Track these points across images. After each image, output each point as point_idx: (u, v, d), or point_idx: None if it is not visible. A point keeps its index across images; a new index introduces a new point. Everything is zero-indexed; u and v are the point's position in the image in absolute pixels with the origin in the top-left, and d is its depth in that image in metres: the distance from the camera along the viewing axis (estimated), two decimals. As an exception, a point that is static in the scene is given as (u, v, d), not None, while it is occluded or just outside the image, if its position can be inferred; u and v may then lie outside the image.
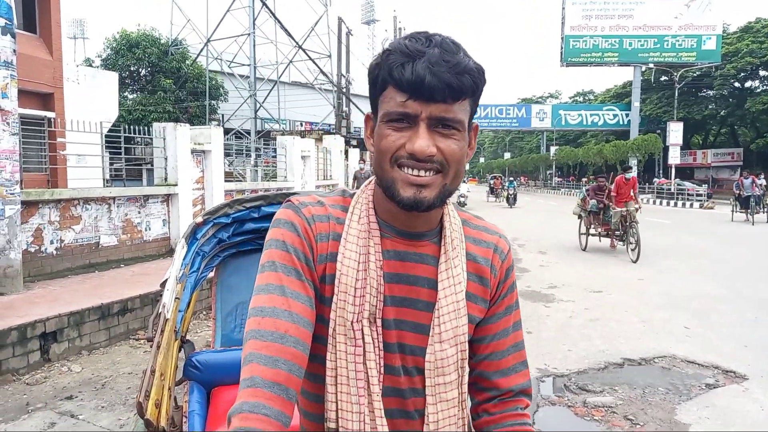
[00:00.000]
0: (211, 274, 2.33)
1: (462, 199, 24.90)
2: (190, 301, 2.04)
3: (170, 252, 8.92)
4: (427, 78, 0.78)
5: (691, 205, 29.13)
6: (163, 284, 1.90)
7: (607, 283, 8.46)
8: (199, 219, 2.10)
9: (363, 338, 0.87)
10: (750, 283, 8.33)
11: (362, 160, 13.34)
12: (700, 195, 32.41)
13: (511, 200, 27.72)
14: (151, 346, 1.67)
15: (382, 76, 0.84)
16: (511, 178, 28.81)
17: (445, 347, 0.90)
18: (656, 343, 5.42)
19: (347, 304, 0.87)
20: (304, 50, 29.87)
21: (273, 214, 2.30)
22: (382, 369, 0.89)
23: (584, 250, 12.04)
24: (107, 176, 9.36)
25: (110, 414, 3.92)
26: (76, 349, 5.13)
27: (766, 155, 43.85)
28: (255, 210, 2.19)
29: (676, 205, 30.54)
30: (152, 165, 9.29)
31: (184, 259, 1.99)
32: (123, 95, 24.82)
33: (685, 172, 44.14)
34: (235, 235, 2.22)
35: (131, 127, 9.19)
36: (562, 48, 44.12)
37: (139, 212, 8.40)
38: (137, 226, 8.37)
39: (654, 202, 32.95)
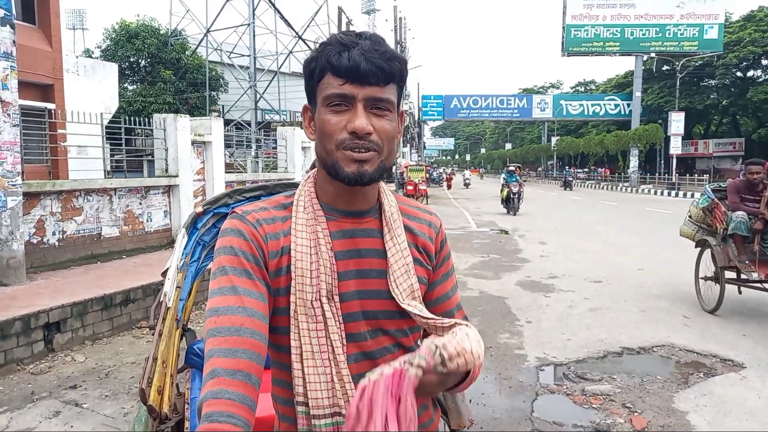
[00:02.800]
0: (211, 264, 2.35)
1: (467, 181, 38.94)
2: (191, 291, 2.05)
3: (172, 243, 8.95)
4: (362, 64, 0.90)
5: (692, 195, 29.07)
6: (164, 273, 1.92)
7: (607, 273, 8.49)
8: (199, 209, 2.11)
9: (324, 314, 0.95)
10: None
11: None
12: (703, 185, 32.41)
13: (514, 203, 18.68)
14: (153, 334, 1.70)
15: (320, 65, 0.93)
16: (511, 168, 19.77)
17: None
18: (655, 333, 5.45)
19: (305, 286, 0.94)
20: (304, 40, 29.77)
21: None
22: (344, 339, 0.96)
23: (715, 311, 6.03)
24: (108, 168, 9.36)
25: (114, 403, 3.96)
26: (80, 339, 5.17)
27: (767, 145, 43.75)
28: (255, 199, 2.20)
29: (677, 195, 30.51)
30: (153, 156, 9.30)
31: (184, 248, 2.01)
32: (123, 86, 24.75)
33: (686, 162, 44.07)
34: (235, 224, 2.24)
35: (131, 118, 9.19)
36: (563, 37, 43.88)
37: (141, 203, 8.42)
38: (139, 218, 8.39)
39: (655, 193, 32.94)
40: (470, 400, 3.82)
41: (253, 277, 0.93)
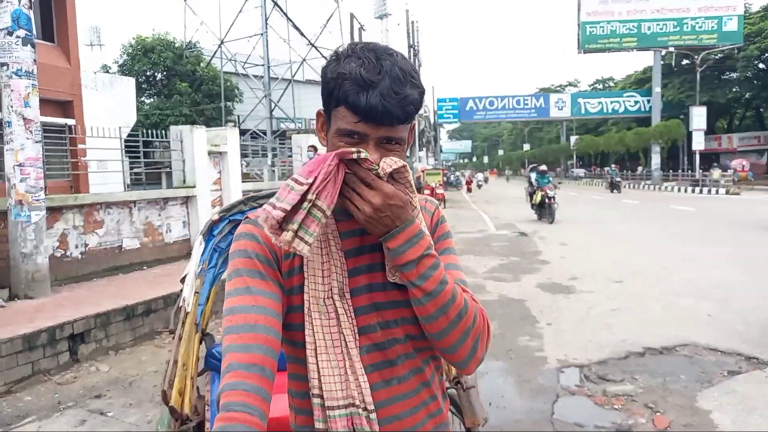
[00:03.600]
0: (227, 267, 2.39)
1: (481, 183, 37.37)
2: (209, 296, 2.10)
3: (191, 253, 9.07)
4: (379, 108, 0.92)
5: (717, 192, 28.57)
6: (182, 280, 1.96)
7: (628, 272, 8.38)
8: (215, 216, 2.16)
9: (336, 311, 1.00)
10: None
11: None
12: (728, 181, 31.82)
13: (550, 208, 15.66)
14: (173, 338, 1.74)
15: (337, 96, 0.96)
16: (543, 167, 17.24)
17: None
18: (678, 331, 5.36)
19: (317, 285, 1.00)
20: (317, 48, 29.99)
21: None
22: (356, 333, 1.01)
23: None
24: (128, 181, 9.55)
25: (138, 411, 4.03)
26: (103, 349, 5.27)
27: (793, 137, 42.80)
28: (269, 206, 2.24)
29: (701, 192, 29.99)
30: (171, 168, 9.46)
31: (202, 255, 2.05)
32: (140, 100, 25.20)
33: (710, 158, 43.30)
34: (249, 232, 2.27)
35: (149, 131, 9.35)
36: (578, 35, 43.45)
37: (160, 215, 8.57)
38: (158, 229, 8.53)
39: (679, 190, 32.43)
40: (489, 403, 3.80)
41: (266, 278, 0.98)
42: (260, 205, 2.29)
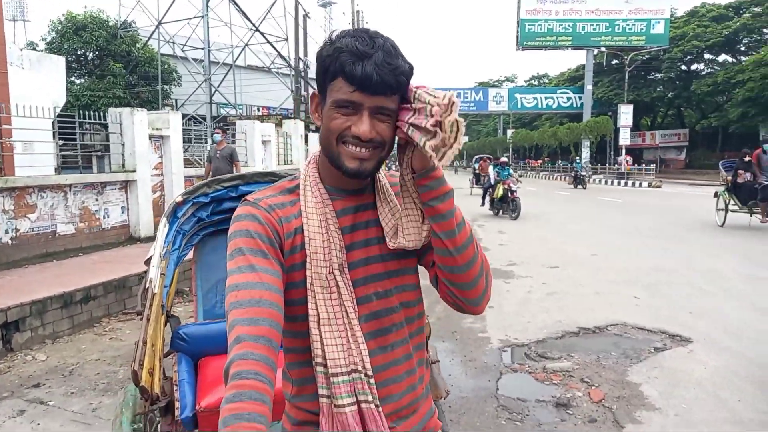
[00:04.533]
0: (191, 254, 2.39)
1: None
2: (173, 278, 2.10)
3: (130, 240, 8.78)
4: (373, 77, 0.98)
5: (640, 185, 30.27)
6: (147, 261, 1.96)
7: (563, 259, 8.81)
8: (179, 198, 2.16)
9: (337, 284, 1.06)
10: (700, 255, 8.83)
11: (219, 130, 9.27)
12: (650, 174, 34.00)
13: (512, 207, 14.72)
14: (140, 320, 1.74)
15: (333, 68, 1.01)
16: (504, 159, 16.53)
17: None
18: (609, 313, 5.73)
19: (319, 261, 1.06)
20: (261, 33, 29.33)
21: (251, 193, 2.39)
22: (356, 304, 1.08)
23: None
24: (58, 164, 9.05)
25: (81, 399, 3.92)
26: (40, 338, 5.06)
27: (710, 135, 45.83)
28: (233, 189, 2.26)
29: (626, 184, 31.67)
30: (103, 152, 9.07)
31: (166, 236, 2.05)
32: (70, 80, 23.82)
33: (634, 153, 45.70)
34: (213, 214, 2.29)
35: (81, 113, 8.92)
36: (518, 32, 44.67)
37: (97, 200, 8.22)
38: (95, 214, 8.19)
39: (606, 182, 34.09)
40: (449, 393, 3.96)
41: (269, 256, 1.02)
42: (224, 188, 2.32)
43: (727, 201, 11.76)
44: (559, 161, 50.50)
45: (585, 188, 28.14)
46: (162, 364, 1.87)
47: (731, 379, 4.01)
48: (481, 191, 24.36)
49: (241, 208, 1.08)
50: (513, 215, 14.59)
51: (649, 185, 29.20)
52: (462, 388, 4.01)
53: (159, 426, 1.84)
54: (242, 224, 1.04)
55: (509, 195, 14.66)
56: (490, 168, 16.27)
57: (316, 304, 1.05)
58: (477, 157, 30.96)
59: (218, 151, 9.15)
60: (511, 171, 15.60)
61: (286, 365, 1.16)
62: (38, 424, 3.54)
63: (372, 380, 1.06)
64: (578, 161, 32.94)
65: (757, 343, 4.72)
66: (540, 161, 57.40)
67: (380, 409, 1.06)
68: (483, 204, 16.55)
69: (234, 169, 8.97)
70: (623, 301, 6.22)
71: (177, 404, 1.78)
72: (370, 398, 1.05)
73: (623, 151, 37.25)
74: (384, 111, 1.03)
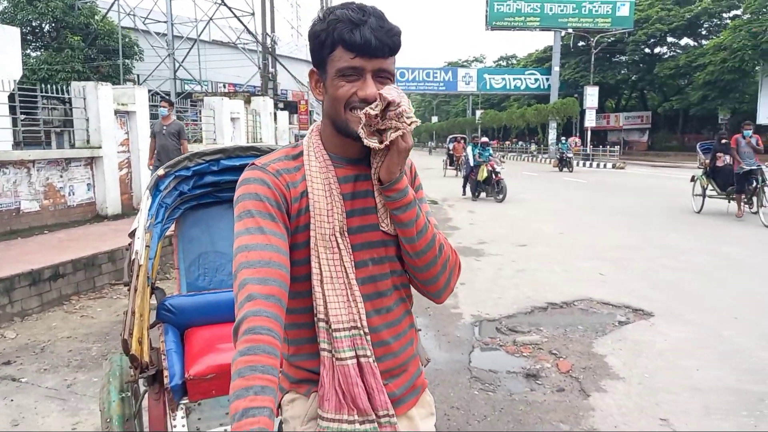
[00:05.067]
0: (172, 228, 2.38)
1: None
2: (157, 251, 2.11)
3: (97, 218, 8.59)
4: (372, 41, 1.04)
5: (605, 166, 30.96)
6: (131, 234, 1.95)
7: (531, 237, 9.02)
8: (161, 171, 2.15)
9: (338, 246, 1.12)
10: (661, 234, 9.16)
11: (165, 103, 8.27)
12: (614, 155, 34.84)
13: (496, 189, 14.22)
14: (128, 291, 1.75)
15: (331, 40, 1.06)
16: (485, 139, 15.69)
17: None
18: (576, 289, 5.93)
19: (323, 223, 1.11)
20: (227, 6, 28.58)
21: (232, 167, 2.40)
22: (354, 266, 1.14)
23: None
24: (18, 139, 8.74)
25: (55, 375, 3.88)
26: (8, 315, 4.96)
27: (672, 118, 47.07)
28: (214, 163, 2.26)
29: (591, 165, 32.34)
30: (62, 128, 8.80)
31: (149, 209, 2.05)
32: (25, 53, 22.84)
33: (599, 135, 46.65)
34: (195, 187, 2.29)
35: (40, 86, 8.61)
36: (486, 11, 44.68)
37: (62, 176, 8.00)
38: (60, 191, 7.97)
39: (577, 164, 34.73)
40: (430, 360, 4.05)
41: (276, 219, 1.07)
42: (206, 162, 2.32)
43: (705, 186, 11.04)
44: (524, 142, 51.17)
45: (571, 171, 26.47)
46: (149, 333, 1.89)
47: (691, 349, 4.23)
48: (453, 172, 23.58)
49: (249, 172, 1.11)
50: (498, 197, 13.98)
51: (614, 166, 29.90)
52: (436, 361, 4.12)
53: (146, 395, 1.87)
54: (251, 187, 1.08)
55: (493, 177, 14.13)
56: (469, 148, 15.13)
57: (320, 263, 1.10)
58: (451, 137, 30.21)
59: (164, 127, 8.31)
60: (491, 151, 14.99)
61: (286, 326, 1.19)
62: (12, 400, 3.51)
63: (369, 337, 1.12)
64: (564, 142, 29.75)
65: (714, 315, 4.97)
66: (508, 142, 57.92)
67: (376, 364, 1.12)
68: (465, 193, 15.39)
69: (181, 148, 8.28)
70: (589, 277, 6.44)
71: (166, 373, 1.80)
72: (368, 353, 1.11)
73: (588, 133, 37.93)
74: (384, 73, 1.09)
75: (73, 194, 8.21)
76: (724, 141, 10.69)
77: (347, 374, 1.09)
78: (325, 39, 1.07)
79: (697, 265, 6.93)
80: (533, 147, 45.32)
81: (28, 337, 4.67)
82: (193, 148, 12.58)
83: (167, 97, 8.41)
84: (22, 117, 8.93)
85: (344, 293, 1.11)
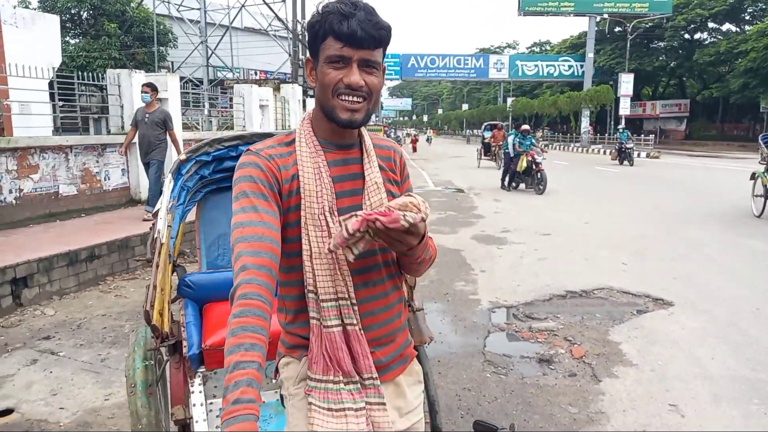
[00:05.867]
0: (194, 211, 2.54)
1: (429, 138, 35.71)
2: (179, 231, 2.25)
3: (131, 202, 8.92)
4: (358, 32, 1.14)
5: (638, 155, 30.26)
6: (155, 215, 2.10)
7: (555, 227, 8.99)
8: (183, 156, 2.29)
9: (327, 225, 1.21)
10: (684, 225, 9.01)
11: (147, 88, 7.37)
12: (648, 144, 34.03)
13: (537, 180, 13.52)
14: (150, 267, 1.90)
15: (323, 29, 1.16)
16: (526, 126, 14.45)
17: None
18: (596, 278, 5.94)
19: (312, 203, 1.21)
20: (257, -6, 28.86)
21: None
22: None
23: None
24: (57, 125, 9.09)
25: (90, 350, 4.12)
26: (47, 294, 5.25)
27: (711, 106, 45.68)
28: (233, 149, 2.39)
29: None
30: (99, 114, 9.12)
31: (171, 192, 2.19)
32: (64, 40, 23.54)
33: (634, 123, 45.60)
34: (215, 172, 2.43)
35: (78, 74, 8.93)
36: (519, -4, 43.97)
37: (98, 161, 8.32)
38: (96, 176, 8.30)
39: (605, 153, 34.08)
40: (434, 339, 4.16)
41: (269, 199, 1.18)
42: (225, 148, 2.46)
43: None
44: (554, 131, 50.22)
45: (632, 165, 22.48)
46: (170, 307, 2.04)
47: (706, 339, 4.23)
48: (489, 162, 21.28)
49: (244, 157, 1.23)
50: (539, 189, 13.25)
51: (648, 156, 29.26)
52: (451, 344, 4.22)
53: (167, 364, 2.03)
54: (246, 171, 1.20)
55: (533, 167, 13.38)
56: (510, 138, 14.14)
57: (309, 239, 1.21)
58: (487, 124, 26.91)
59: (147, 115, 7.42)
60: (533, 140, 14.17)
61: (282, 297, 1.32)
62: (50, 372, 3.75)
63: (356, 307, 1.23)
64: (622, 130, 24.39)
65: (734, 306, 4.93)
66: (540, 131, 57.01)
67: (362, 331, 1.24)
68: (503, 186, 14.54)
69: (170, 138, 7.57)
70: (610, 266, 6.43)
71: (184, 344, 1.95)
72: (354, 321, 1.22)
73: (623, 121, 37.10)
74: (370, 63, 1.19)
75: (109, 179, 8.54)
76: None
77: (333, 340, 1.21)
78: (318, 29, 1.18)
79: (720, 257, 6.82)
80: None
81: (66, 314, 4.94)
82: (225, 134, 12.87)
83: (151, 82, 7.69)
84: (61, 104, 9.26)
85: (332, 267, 1.21)
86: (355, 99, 1.18)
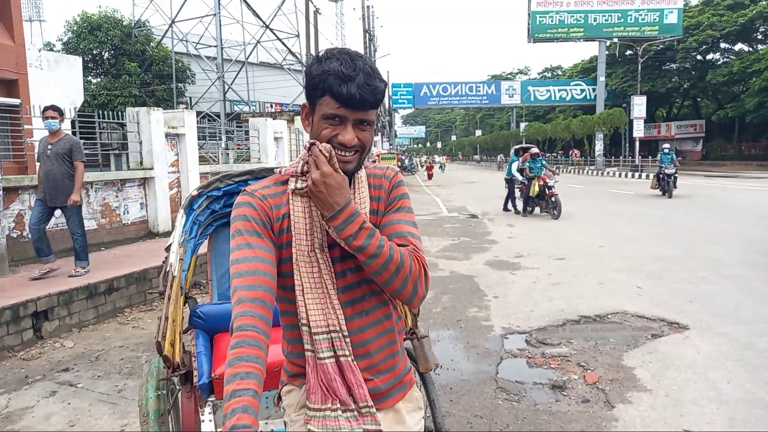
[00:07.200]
0: (206, 244, 2.63)
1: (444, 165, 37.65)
2: (191, 264, 2.34)
3: (149, 235, 9.10)
4: (356, 96, 1.21)
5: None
6: (167, 248, 2.20)
7: (570, 250, 8.95)
8: (194, 192, 2.39)
9: (318, 260, 1.28)
10: (702, 245, 8.92)
11: (55, 112, 5.95)
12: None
13: (551, 205, 13.33)
14: (162, 299, 1.98)
15: (322, 87, 1.22)
16: (535, 150, 14.29)
17: None
18: (611, 302, 5.90)
19: (302, 241, 1.28)
20: (271, 30, 29.63)
21: None
22: (335, 278, 1.30)
23: None
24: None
25: (108, 382, 4.20)
26: (67, 326, 5.37)
27: (726, 126, 45.36)
28: (243, 183, 2.49)
29: (640, 176, 31.47)
30: (120, 150, 9.38)
31: (183, 226, 2.29)
32: (86, 80, 24.38)
33: (650, 145, 45.35)
34: (226, 206, 2.52)
35: (98, 112, 9.24)
36: (528, 24, 44.51)
37: (117, 196, 8.54)
38: (115, 210, 8.51)
39: (620, 175, 33.92)
40: (441, 366, 4.17)
41: (262, 236, 1.25)
42: (235, 183, 2.56)
43: None
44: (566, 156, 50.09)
45: (670, 197, 17.08)
46: (182, 338, 2.11)
47: (722, 362, 4.18)
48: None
49: (240, 197, 1.31)
50: (554, 214, 13.06)
51: (663, 177, 28.96)
52: (463, 371, 4.22)
53: (179, 394, 2.09)
54: (240, 210, 1.27)
55: (546, 192, 13.17)
56: (515, 164, 14.32)
57: (300, 275, 1.28)
58: (516, 147, 19.12)
59: (49, 146, 5.96)
60: (545, 162, 13.88)
61: (283, 327, 1.39)
62: (69, 403, 3.83)
63: (347, 339, 1.28)
64: (666, 152, 17.54)
65: (750, 328, 4.86)
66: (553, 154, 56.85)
67: (355, 362, 1.29)
68: (505, 208, 14.74)
69: (75, 172, 6.04)
70: (625, 289, 6.38)
71: (195, 373, 2.02)
72: (347, 353, 1.28)
73: (637, 144, 36.95)
74: (365, 122, 1.26)
75: (128, 213, 8.74)
76: None
77: (326, 371, 1.27)
78: (317, 84, 1.24)
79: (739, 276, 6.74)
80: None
81: (85, 346, 5.04)
82: (243, 166, 13.13)
83: (55, 105, 6.13)
84: (82, 141, 9.54)
85: (323, 301, 1.27)
86: (347, 154, 1.25)
